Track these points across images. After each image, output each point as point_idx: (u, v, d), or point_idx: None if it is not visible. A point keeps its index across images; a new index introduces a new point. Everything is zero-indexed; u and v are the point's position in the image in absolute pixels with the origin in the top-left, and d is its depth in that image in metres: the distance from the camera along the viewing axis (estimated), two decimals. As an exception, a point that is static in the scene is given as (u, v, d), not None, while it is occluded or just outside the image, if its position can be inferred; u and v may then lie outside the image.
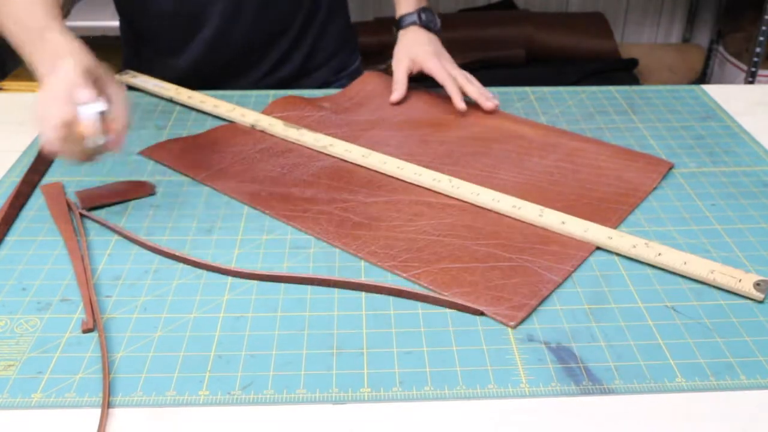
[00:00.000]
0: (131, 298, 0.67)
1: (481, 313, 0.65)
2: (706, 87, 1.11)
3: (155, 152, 0.91)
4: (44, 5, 0.81)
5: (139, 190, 0.83)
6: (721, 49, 2.38)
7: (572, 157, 0.89)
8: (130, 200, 0.82)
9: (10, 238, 0.76)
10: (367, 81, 1.08)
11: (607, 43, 2.29)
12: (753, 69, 2.13)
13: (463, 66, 1.05)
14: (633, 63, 2.28)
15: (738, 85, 2.09)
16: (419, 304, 0.67)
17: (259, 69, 1.13)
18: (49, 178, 0.87)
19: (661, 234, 0.76)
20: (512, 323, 0.63)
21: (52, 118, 0.70)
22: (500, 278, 0.68)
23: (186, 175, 0.86)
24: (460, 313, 0.65)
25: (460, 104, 0.97)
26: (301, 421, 0.55)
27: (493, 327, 0.64)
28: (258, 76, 1.13)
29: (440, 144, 0.91)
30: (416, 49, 1.02)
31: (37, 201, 0.82)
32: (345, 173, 0.85)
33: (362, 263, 0.72)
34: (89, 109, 0.70)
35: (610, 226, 0.75)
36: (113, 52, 1.95)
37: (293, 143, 0.92)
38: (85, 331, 0.63)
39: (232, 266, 0.70)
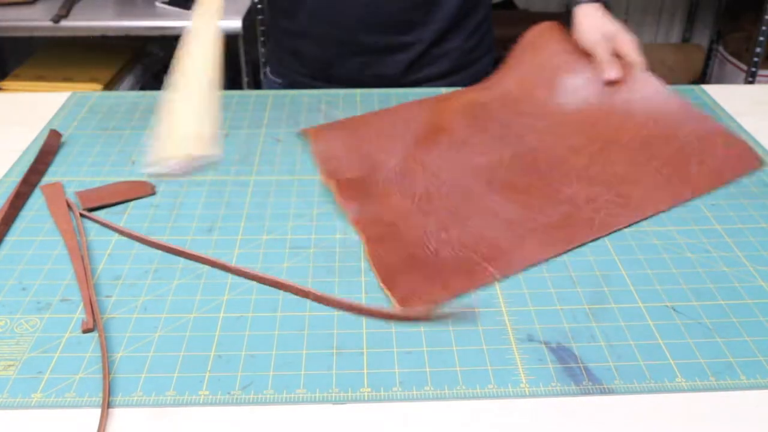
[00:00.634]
0: (131, 298, 0.67)
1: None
2: (706, 87, 1.11)
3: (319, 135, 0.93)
4: None
5: (139, 190, 0.83)
6: (721, 49, 2.38)
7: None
8: (130, 200, 0.82)
9: (10, 238, 0.76)
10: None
11: (607, 43, 2.29)
12: (753, 69, 2.14)
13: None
14: (633, 63, 2.28)
15: (738, 85, 2.09)
16: (419, 304, 0.67)
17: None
18: (49, 178, 0.87)
19: (661, 234, 0.76)
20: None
21: None
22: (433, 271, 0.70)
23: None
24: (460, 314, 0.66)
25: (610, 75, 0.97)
26: (301, 421, 0.55)
27: (493, 327, 0.64)
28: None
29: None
30: (608, 28, 1.00)
31: (37, 201, 0.82)
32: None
33: (362, 263, 0.72)
34: None
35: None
36: (113, 52, 1.97)
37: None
38: (85, 331, 0.63)
39: (233, 264, 0.70)
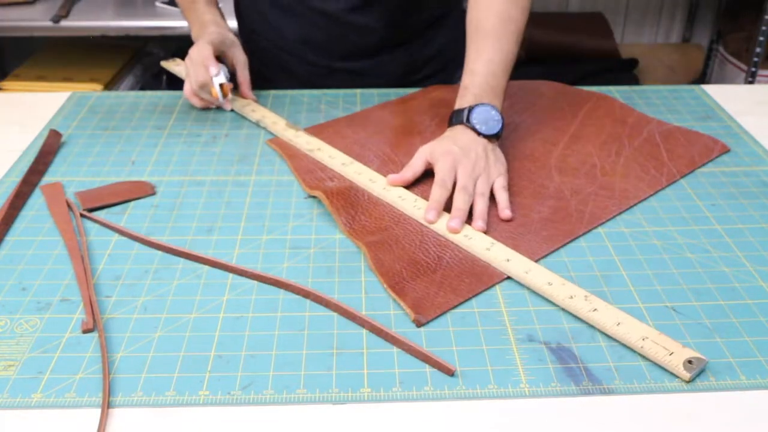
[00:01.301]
0: (131, 298, 0.67)
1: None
2: (706, 87, 1.11)
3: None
4: None
5: (139, 190, 0.83)
6: (721, 49, 2.38)
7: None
8: (130, 200, 0.82)
9: (10, 238, 0.76)
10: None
11: (607, 43, 2.29)
12: (753, 69, 2.14)
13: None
14: (633, 63, 2.28)
15: (738, 85, 2.09)
16: (419, 304, 0.67)
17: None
18: (49, 178, 0.87)
19: (661, 234, 0.76)
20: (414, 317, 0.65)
21: (193, 79, 0.99)
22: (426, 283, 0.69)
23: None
24: (460, 314, 0.65)
25: (427, 214, 0.77)
26: (301, 421, 0.55)
27: (493, 327, 0.64)
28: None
29: None
30: (440, 145, 0.84)
31: (37, 201, 0.82)
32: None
33: (362, 264, 0.72)
34: (215, 80, 0.99)
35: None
36: (113, 52, 1.97)
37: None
38: (85, 331, 0.63)
39: (233, 263, 0.70)
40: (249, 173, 0.88)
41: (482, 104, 0.85)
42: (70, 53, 1.96)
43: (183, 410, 0.56)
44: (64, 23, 1.78)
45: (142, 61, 2.03)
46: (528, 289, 0.69)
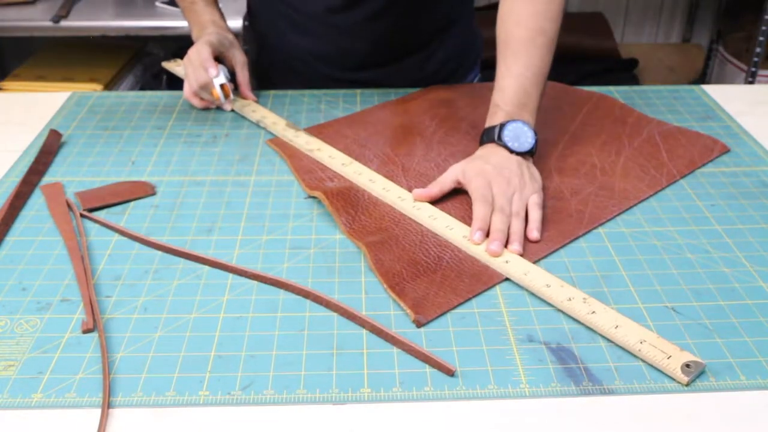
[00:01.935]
0: (131, 299, 0.67)
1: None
2: (706, 87, 1.11)
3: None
4: None
5: (139, 190, 0.83)
6: (721, 49, 2.38)
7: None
8: (130, 200, 0.82)
9: (10, 238, 0.76)
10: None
11: (607, 43, 2.29)
12: (753, 69, 2.14)
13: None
14: (633, 63, 2.28)
15: (738, 85, 2.09)
16: (419, 304, 0.67)
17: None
18: (49, 178, 0.87)
19: (661, 234, 0.76)
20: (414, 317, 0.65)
21: (193, 80, 1.00)
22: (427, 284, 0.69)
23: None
24: (460, 314, 0.65)
25: (472, 236, 0.74)
26: (301, 422, 0.55)
27: (493, 327, 0.64)
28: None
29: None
30: (472, 165, 0.82)
31: (37, 201, 0.82)
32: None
33: (362, 264, 0.72)
34: (215, 81, 1.00)
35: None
36: (113, 52, 1.97)
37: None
38: (85, 332, 0.63)
39: (233, 263, 0.70)
40: (249, 173, 0.88)
41: (513, 121, 0.83)
42: (70, 53, 1.96)
43: (183, 410, 0.56)
44: (64, 23, 1.78)
45: (142, 61, 2.03)
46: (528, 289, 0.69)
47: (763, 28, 2.08)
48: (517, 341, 0.62)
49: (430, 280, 0.69)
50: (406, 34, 1.08)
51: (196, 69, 1.00)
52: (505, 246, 0.73)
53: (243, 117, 1.02)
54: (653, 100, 1.06)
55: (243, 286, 0.69)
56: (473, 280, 0.69)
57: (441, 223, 0.76)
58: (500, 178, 0.78)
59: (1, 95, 1.13)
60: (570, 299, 0.65)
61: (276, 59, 1.15)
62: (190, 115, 1.02)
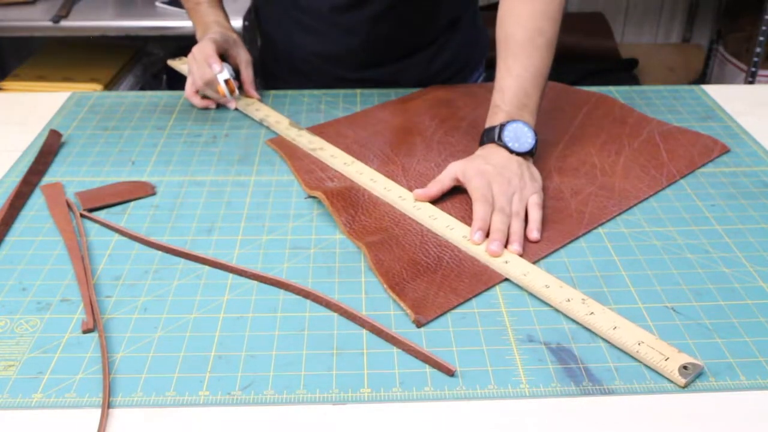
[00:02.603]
0: (131, 299, 0.67)
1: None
2: (706, 87, 1.11)
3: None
4: None
5: (139, 190, 0.83)
6: (721, 49, 2.38)
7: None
8: (130, 200, 0.82)
9: (10, 238, 0.76)
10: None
11: (607, 43, 2.29)
12: (753, 69, 2.14)
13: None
14: (633, 63, 2.28)
15: (738, 85, 2.09)
16: (419, 304, 0.67)
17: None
18: (49, 178, 0.87)
19: (661, 234, 0.76)
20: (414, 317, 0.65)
21: (198, 77, 1.01)
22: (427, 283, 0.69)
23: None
24: (460, 314, 0.65)
25: (472, 236, 0.74)
26: (301, 422, 0.55)
27: (493, 327, 0.64)
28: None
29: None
30: (472, 164, 0.81)
31: (37, 201, 0.82)
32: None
33: (362, 264, 0.72)
34: (219, 77, 1.00)
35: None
36: (113, 52, 1.97)
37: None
38: (85, 332, 0.63)
39: (234, 263, 0.70)
40: (249, 173, 0.88)
41: (514, 121, 0.83)
42: (70, 53, 1.96)
43: (183, 410, 0.56)
44: (64, 23, 1.78)
45: (142, 61, 2.03)
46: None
47: (763, 28, 2.08)
48: (517, 341, 0.62)
49: (430, 280, 0.69)
50: (412, 32, 1.08)
51: (201, 65, 1.00)
52: (505, 246, 0.73)
53: (243, 117, 1.02)
54: (653, 100, 1.06)
55: (243, 286, 0.69)
56: (473, 280, 0.69)
57: (441, 223, 0.76)
58: (500, 178, 0.78)
59: (1, 95, 1.13)
60: (569, 300, 0.65)
61: (281, 58, 1.15)
62: (190, 115, 1.02)
